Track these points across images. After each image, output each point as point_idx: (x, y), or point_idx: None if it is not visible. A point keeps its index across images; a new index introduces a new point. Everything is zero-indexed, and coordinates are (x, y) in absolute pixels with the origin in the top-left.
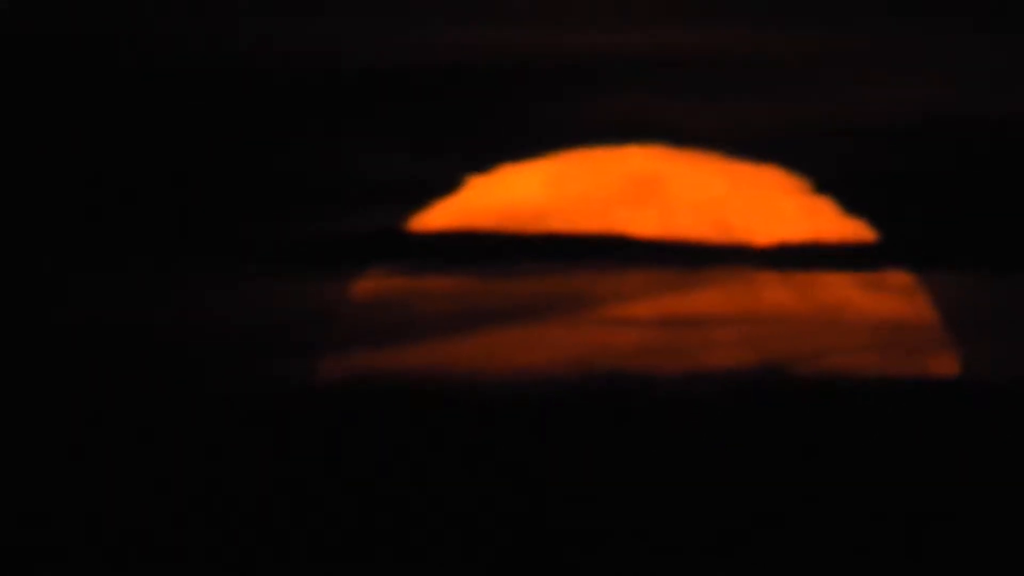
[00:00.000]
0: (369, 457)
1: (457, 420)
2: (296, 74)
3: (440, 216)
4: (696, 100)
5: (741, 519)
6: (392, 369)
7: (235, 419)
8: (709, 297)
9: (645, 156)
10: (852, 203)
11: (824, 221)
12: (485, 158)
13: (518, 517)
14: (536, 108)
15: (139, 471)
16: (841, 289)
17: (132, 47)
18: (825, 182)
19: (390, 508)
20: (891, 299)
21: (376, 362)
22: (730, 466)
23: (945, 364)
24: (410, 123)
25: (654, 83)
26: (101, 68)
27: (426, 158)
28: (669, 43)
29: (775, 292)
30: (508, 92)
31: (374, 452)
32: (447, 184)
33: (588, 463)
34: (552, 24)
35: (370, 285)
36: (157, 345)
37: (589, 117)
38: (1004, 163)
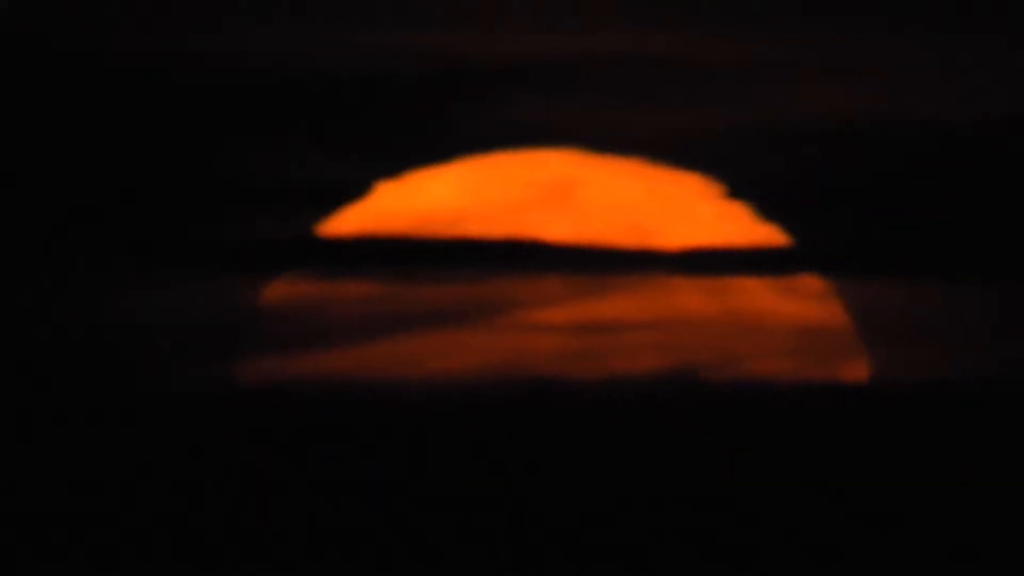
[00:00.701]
0: (286, 462)
1: (373, 426)
2: (210, 77)
3: (355, 220)
4: (618, 105)
5: (655, 524)
6: (307, 374)
7: (151, 422)
8: (624, 302)
9: (561, 161)
10: (770, 208)
11: (740, 226)
12: (403, 162)
13: (435, 522)
14: (457, 112)
15: (57, 473)
16: (755, 294)
17: (51, 51)
18: (743, 187)
19: (306, 512)
20: (805, 304)
21: (292, 368)
22: (645, 471)
23: (857, 369)
24: (328, 126)
25: (576, 88)
26: (25, 72)
27: (344, 161)
28: (592, 48)
29: (690, 297)
30: (428, 96)
31: (291, 457)
32: (363, 188)
33: (504, 468)
34: (475, 29)
35: (285, 289)
36: (71, 347)
37: (511, 122)
38: (924, 168)
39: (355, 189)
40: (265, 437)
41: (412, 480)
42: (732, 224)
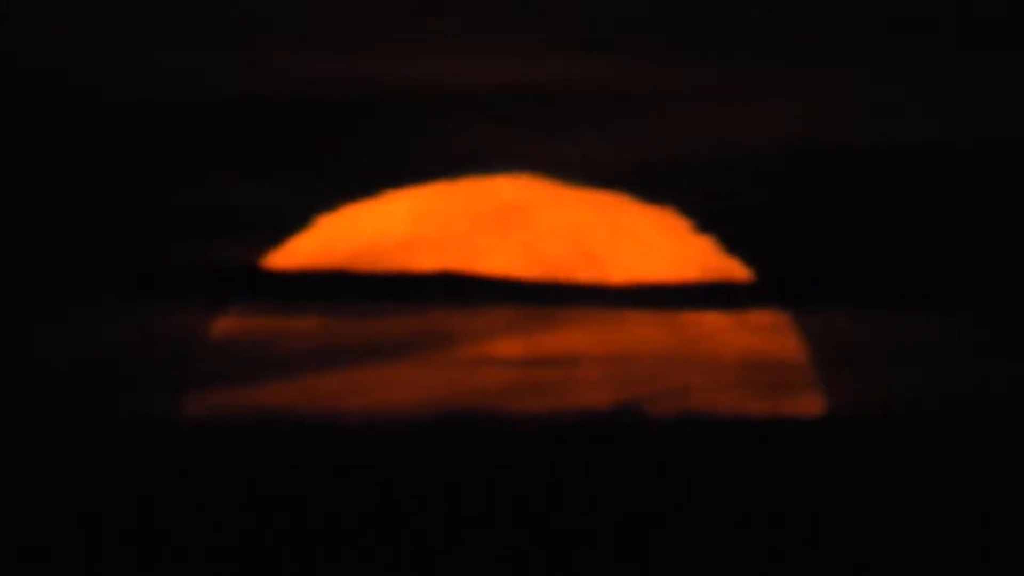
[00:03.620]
0: (230, 493)
1: (317, 458)
2: (157, 105)
3: (299, 252)
4: (558, 134)
5: (600, 556)
6: (251, 407)
7: (96, 452)
8: (574, 335)
9: (510, 187)
10: (721, 239)
11: (693, 257)
12: (347, 192)
13: (377, 552)
14: (400, 141)
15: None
16: (708, 326)
17: None
18: (694, 217)
19: (249, 541)
20: (758, 336)
21: (235, 400)
22: (590, 504)
23: (809, 401)
24: (273, 156)
25: (519, 116)
26: None
27: (287, 191)
28: (534, 77)
29: (641, 329)
30: (371, 124)
31: (235, 488)
32: (307, 219)
33: (447, 501)
34: (416, 57)
35: (230, 322)
36: (18, 376)
37: (460, 150)
38: (869, 196)
39: (301, 220)
40: (209, 468)
41: (354, 512)
42: (686, 255)
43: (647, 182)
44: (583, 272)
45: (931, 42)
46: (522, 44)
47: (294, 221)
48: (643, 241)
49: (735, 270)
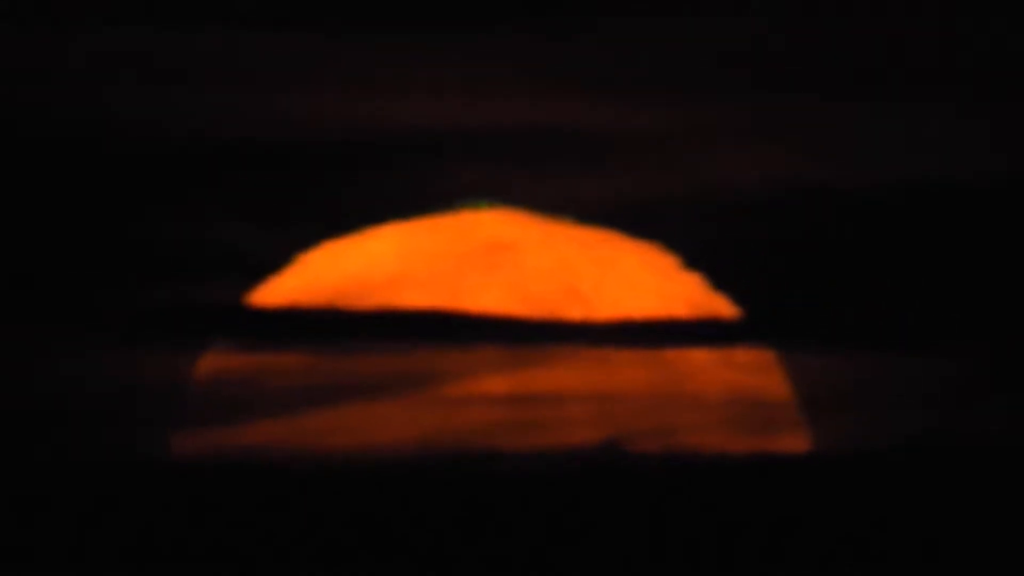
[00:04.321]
0: (218, 532)
1: (303, 496)
2: (142, 145)
3: (284, 290)
4: (551, 174)
5: None
6: (238, 445)
7: (83, 490)
8: (560, 373)
9: (497, 223)
10: (712, 278)
11: (680, 294)
12: (332, 229)
13: None
14: (384, 180)
15: None
16: (694, 364)
17: None
18: (685, 256)
19: None
20: (744, 374)
21: (223, 438)
22: (576, 541)
23: (794, 439)
24: (258, 195)
25: (509, 156)
26: None
27: (273, 230)
28: (530, 118)
29: (627, 368)
30: (356, 164)
31: (222, 527)
32: (292, 257)
33: (433, 538)
34: (411, 99)
35: (215, 362)
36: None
37: (448, 189)
38: (857, 235)
39: (286, 258)
40: (196, 506)
41: (341, 549)
42: (675, 294)
43: (637, 220)
44: (570, 309)
45: (922, 82)
46: (515, 87)
47: (279, 259)
48: (630, 278)
49: (722, 307)
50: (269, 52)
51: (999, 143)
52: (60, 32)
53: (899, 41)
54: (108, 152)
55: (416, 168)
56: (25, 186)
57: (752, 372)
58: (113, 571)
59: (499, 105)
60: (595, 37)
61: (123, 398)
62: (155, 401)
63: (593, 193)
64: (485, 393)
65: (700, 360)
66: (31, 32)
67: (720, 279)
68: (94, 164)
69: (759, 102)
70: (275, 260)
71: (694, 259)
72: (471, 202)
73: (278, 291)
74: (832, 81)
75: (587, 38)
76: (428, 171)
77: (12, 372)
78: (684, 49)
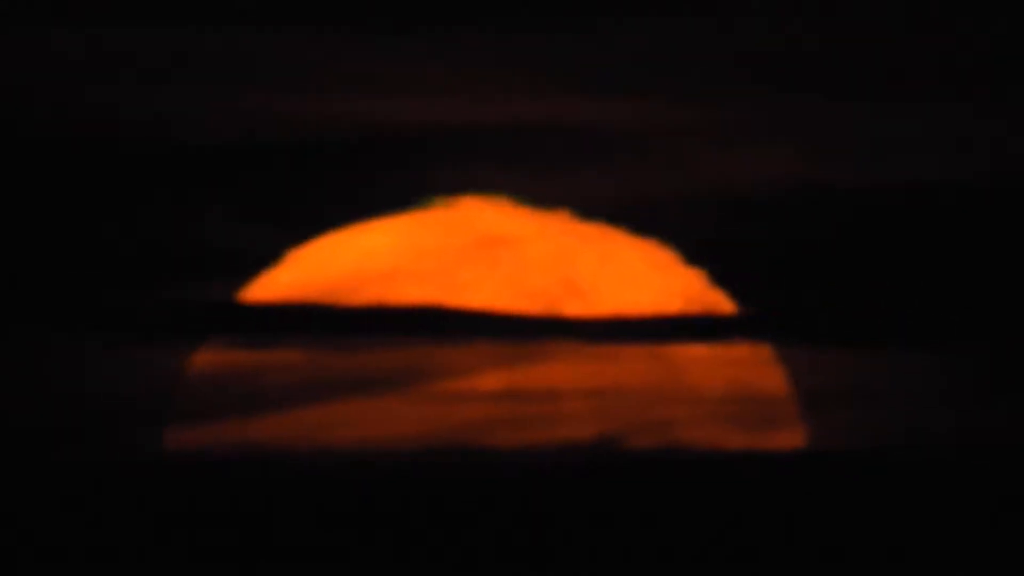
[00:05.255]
0: (214, 529)
1: (300, 492)
2: (139, 144)
3: (279, 286)
4: (551, 171)
5: None
6: (234, 441)
7: (84, 488)
8: (557, 368)
9: (495, 217)
10: (711, 274)
11: (678, 290)
12: (327, 226)
13: None
14: (384, 180)
15: None
16: (691, 359)
17: None
18: (686, 253)
19: None
20: (741, 369)
21: (219, 434)
22: (572, 536)
23: (791, 435)
24: (258, 194)
25: (512, 154)
26: None
27: (273, 229)
28: (530, 116)
29: (624, 363)
30: (357, 163)
31: (219, 524)
32: (287, 254)
33: (430, 534)
34: (412, 97)
35: (211, 358)
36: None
37: (440, 188)
38: (857, 234)
39: (281, 255)
40: (194, 502)
41: (338, 544)
42: (675, 290)
43: (637, 216)
44: (568, 304)
45: (923, 83)
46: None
47: (274, 258)
48: (628, 273)
49: (720, 303)
50: (269, 52)
51: (1000, 143)
52: (60, 32)
53: (900, 41)
54: (108, 152)
55: (416, 168)
56: (24, 186)
57: (750, 368)
58: (112, 568)
59: (499, 104)
60: (595, 36)
61: (121, 395)
62: (152, 398)
63: (593, 190)
64: (482, 388)
65: (698, 356)
66: (31, 32)
67: (719, 275)
68: (94, 164)
69: (760, 101)
70: (274, 259)
71: (693, 255)
72: (466, 193)
73: (273, 287)
74: (833, 81)
75: (587, 37)
76: (428, 170)
77: (11, 371)
78: (685, 49)
